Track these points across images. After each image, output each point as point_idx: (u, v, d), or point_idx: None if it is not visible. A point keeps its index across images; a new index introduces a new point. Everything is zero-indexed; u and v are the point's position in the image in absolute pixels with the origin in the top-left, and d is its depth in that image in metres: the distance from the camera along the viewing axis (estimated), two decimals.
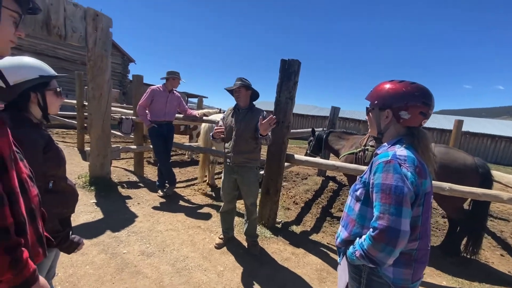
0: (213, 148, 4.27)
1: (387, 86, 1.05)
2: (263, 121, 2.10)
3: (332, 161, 3.10)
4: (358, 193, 1.07)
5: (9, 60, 1.04)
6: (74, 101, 6.66)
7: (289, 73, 2.85)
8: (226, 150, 2.51)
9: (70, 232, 1.17)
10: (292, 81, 2.87)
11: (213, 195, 4.20)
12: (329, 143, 4.04)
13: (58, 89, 1.17)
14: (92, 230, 2.69)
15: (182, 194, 4.09)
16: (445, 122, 15.70)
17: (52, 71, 1.14)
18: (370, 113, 1.13)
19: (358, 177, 1.12)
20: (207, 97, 18.25)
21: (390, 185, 0.91)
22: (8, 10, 0.67)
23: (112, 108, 4.70)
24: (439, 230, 3.63)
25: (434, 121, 15.96)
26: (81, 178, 3.98)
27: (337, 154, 3.92)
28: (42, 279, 0.74)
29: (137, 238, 2.64)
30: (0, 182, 0.64)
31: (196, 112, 4.25)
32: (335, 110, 6.01)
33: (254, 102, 2.54)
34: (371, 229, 0.93)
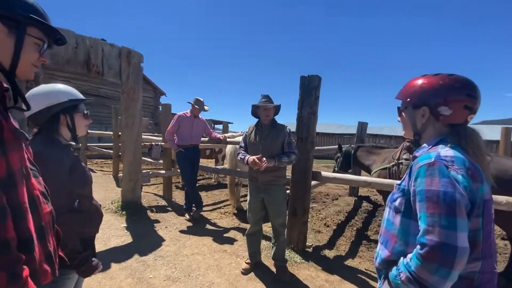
0: (238, 169, 4.25)
1: (420, 81, 0.93)
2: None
3: (363, 176, 2.89)
4: (397, 203, 0.92)
5: (44, 86, 1.15)
6: (112, 133, 7.24)
7: (309, 89, 2.82)
8: (252, 169, 2.42)
9: (90, 255, 1.16)
10: (313, 96, 2.82)
11: (239, 217, 4.10)
12: (358, 159, 3.81)
13: (86, 112, 1.24)
14: (121, 254, 2.72)
15: (209, 218, 4.05)
16: (489, 133, 14.23)
17: (80, 95, 1.22)
18: (403, 113, 1.01)
19: (395, 184, 0.98)
20: (232, 123, 18.79)
21: (437, 192, 0.76)
22: (32, 37, 0.72)
23: (143, 137, 4.99)
24: (500, 254, 3.10)
25: None
26: (114, 203, 4.15)
27: (368, 170, 3.67)
28: None
29: (164, 262, 2.60)
30: (5, 196, 0.63)
31: (221, 136, 4.35)
32: (362, 126, 5.76)
33: None
34: (418, 246, 0.77)
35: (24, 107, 0.80)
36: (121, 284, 2.22)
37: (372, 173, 3.47)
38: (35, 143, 1.12)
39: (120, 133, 6.41)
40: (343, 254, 3.03)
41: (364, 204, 5.12)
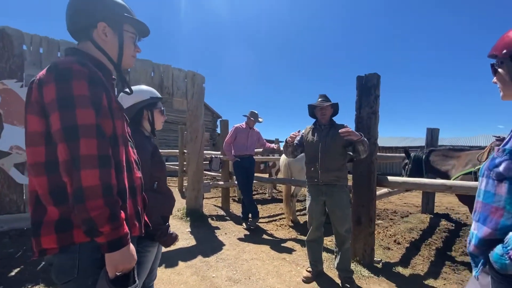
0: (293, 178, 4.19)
1: None
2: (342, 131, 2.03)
3: (441, 180, 2.51)
4: (501, 168, 0.75)
5: (134, 87, 1.40)
6: (177, 151, 8.06)
7: (367, 88, 2.69)
8: (311, 169, 2.33)
9: (169, 228, 1.30)
10: (373, 95, 2.67)
11: (296, 230, 3.97)
12: (432, 165, 3.32)
13: (162, 109, 1.46)
14: (186, 254, 2.91)
15: (265, 228, 4.03)
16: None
17: (158, 95, 1.44)
18: (499, 70, 0.86)
19: (495, 148, 0.82)
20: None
21: None
22: (128, 32, 0.92)
23: (204, 152, 5.42)
24: None
25: None
26: (179, 211, 4.52)
27: (445, 177, 3.16)
28: (132, 246, 0.77)
29: (225, 265, 2.67)
30: (111, 150, 0.75)
31: (274, 145, 4.41)
32: (432, 132, 5.10)
33: None
34: None
35: (128, 91, 1.00)
36: (187, 280, 2.35)
37: (452, 180, 2.99)
38: None
39: (185, 151, 7.11)
40: (421, 274, 2.60)
41: (443, 222, 4.38)
